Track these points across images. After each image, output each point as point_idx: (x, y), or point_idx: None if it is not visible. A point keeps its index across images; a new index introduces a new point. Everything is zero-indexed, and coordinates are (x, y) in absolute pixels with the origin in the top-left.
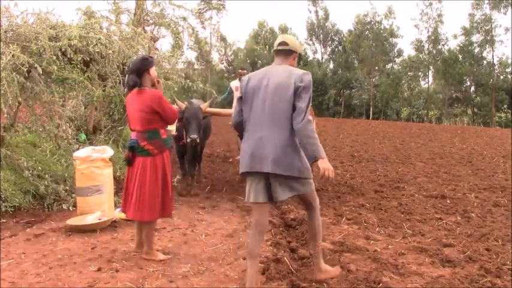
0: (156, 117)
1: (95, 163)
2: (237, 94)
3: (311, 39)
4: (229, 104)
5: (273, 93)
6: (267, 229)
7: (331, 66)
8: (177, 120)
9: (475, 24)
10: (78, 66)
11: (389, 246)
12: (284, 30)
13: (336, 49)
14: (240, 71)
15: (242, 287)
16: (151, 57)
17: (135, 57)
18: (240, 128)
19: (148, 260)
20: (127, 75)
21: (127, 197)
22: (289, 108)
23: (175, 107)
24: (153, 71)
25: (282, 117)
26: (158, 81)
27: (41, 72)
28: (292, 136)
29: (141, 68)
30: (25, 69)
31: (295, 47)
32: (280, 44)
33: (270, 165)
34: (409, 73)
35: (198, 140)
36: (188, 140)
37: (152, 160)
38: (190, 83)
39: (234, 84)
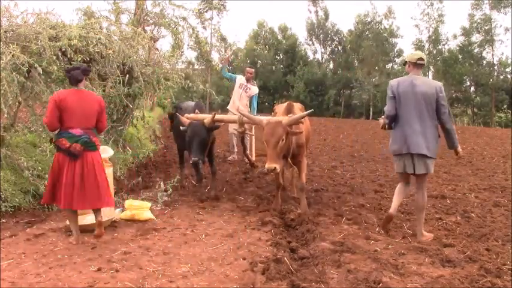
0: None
1: None
2: (237, 89)
3: (311, 39)
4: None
5: (420, 98)
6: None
7: (331, 66)
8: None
9: (475, 24)
10: None
11: (390, 246)
12: (284, 30)
13: (336, 49)
14: (248, 69)
15: (242, 287)
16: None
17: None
18: (392, 119)
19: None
20: (72, 71)
21: (76, 188)
22: (433, 110)
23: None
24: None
25: (427, 116)
26: None
27: (41, 72)
28: (433, 128)
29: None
30: (25, 69)
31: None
32: (419, 59)
33: (424, 149)
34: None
35: (201, 162)
36: (190, 162)
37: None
38: (190, 84)
39: (239, 80)
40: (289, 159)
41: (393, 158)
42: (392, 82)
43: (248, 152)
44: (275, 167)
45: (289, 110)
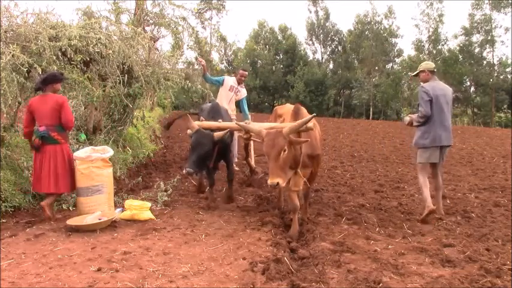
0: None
1: (95, 163)
2: (227, 92)
3: (311, 39)
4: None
5: (446, 100)
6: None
7: (331, 66)
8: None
9: (475, 24)
10: (78, 66)
11: (390, 246)
12: (284, 30)
13: (336, 49)
14: (242, 71)
15: (242, 287)
16: (61, 73)
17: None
18: (427, 119)
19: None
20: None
21: (36, 175)
22: (451, 108)
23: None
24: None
25: (450, 114)
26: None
27: (41, 72)
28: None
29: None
30: (25, 69)
31: None
32: (434, 68)
33: (451, 140)
34: (409, 73)
35: (193, 175)
36: (183, 171)
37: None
38: (189, 84)
39: (230, 82)
40: (298, 171)
41: (418, 151)
42: (427, 87)
43: (250, 158)
44: (278, 182)
45: (297, 115)
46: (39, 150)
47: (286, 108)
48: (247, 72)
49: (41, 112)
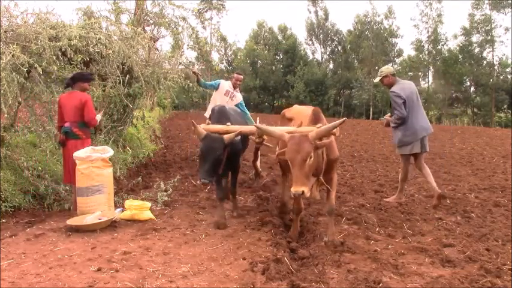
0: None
1: (95, 163)
2: (222, 97)
3: (311, 39)
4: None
5: (416, 96)
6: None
7: (331, 66)
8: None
9: (475, 24)
10: (78, 66)
11: (390, 246)
12: (284, 30)
13: (336, 49)
14: (237, 75)
15: (242, 287)
16: (91, 74)
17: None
18: (403, 119)
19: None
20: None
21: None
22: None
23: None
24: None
25: (421, 106)
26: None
27: (41, 72)
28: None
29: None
30: (25, 69)
31: None
32: (394, 70)
33: (429, 129)
34: (409, 73)
35: (210, 184)
36: (198, 182)
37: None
38: (190, 84)
39: (225, 86)
40: (321, 178)
41: (403, 147)
42: (397, 90)
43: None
44: (303, 191)
45: (317, 118)
46: (63, 145)
47: (295, 111)
48: (242, 76)
49: (66, 108)
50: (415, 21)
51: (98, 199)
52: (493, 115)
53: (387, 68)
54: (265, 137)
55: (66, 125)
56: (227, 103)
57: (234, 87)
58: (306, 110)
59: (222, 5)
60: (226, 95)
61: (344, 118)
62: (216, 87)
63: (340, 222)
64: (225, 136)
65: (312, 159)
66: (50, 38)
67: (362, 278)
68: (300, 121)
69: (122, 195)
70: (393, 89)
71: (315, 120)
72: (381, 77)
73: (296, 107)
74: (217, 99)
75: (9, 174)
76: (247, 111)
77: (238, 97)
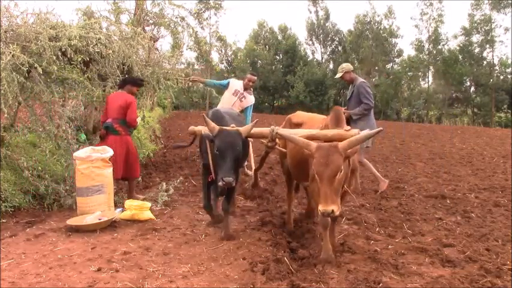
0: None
1: (95, 163)
2: (230, 96)
3: (311, 39)
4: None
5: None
6: None
7: (331, 66)
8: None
9: (475, 24)
10: (78, 66)
11: (389, 246)
12: (284, 30)
13: (336, 49)
14: (250, 76)
15: (242, 287)
16: (142, 80)
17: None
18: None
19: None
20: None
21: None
22: None
23: (198, 128)
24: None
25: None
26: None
27: (41, 72)
28: None
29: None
30: (25, 69)
31: None
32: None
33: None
34: (409, 73)
35: (234, 184)
36: (220, 183)
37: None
38: (190, 83)
39: (235, 86)
40: (347, 189)
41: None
42: (367, 83)
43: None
44: (333, 210)
45: (339, 121)
46: (103, 139)
47: (307, 116)
48: (255, 77)
49: (111, 106)
50: (415, 21)
51: (98, 199)
52: (493, 115)
53: (347, 65)
54: (277, 140)
55: (109, 120)
56: (234, 104)
57: (245, 88)
58: (317, 116)
59: (219, 4)
60: (234, 94)
61: (380, 128)
62: (225, 86)
63: (340, 222)
64: (241, 129)
65: (342, 172)
66: (50, 38)
67: (362, 278)
68: (322, 124)
69: (122, 195)
70: (364, 80)
71: (336, 122)
72: (342, 73)
73: (299, 112)
74: (225, 99)
75: (9, 174)
76: (249, 116)
77: (249, 99)
